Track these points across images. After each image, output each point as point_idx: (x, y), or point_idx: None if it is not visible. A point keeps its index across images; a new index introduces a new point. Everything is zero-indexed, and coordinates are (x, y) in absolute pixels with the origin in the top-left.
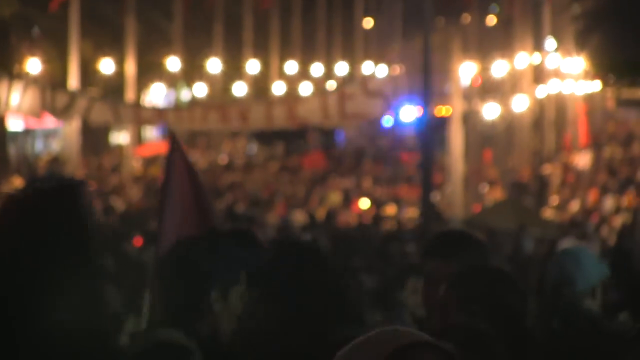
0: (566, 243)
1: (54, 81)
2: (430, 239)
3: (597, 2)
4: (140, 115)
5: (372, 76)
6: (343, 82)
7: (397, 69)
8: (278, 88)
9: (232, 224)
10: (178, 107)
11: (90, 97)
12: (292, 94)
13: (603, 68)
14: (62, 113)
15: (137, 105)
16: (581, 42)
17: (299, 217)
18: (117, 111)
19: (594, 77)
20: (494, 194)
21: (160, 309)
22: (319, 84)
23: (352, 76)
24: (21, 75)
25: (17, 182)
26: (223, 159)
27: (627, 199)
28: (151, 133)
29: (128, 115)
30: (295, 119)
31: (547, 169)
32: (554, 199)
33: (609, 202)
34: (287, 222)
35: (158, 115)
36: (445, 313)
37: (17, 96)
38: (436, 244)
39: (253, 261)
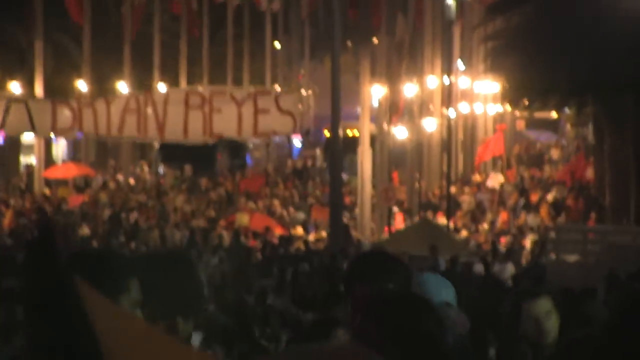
0: (479, 266)
1: None
2: (356, 262)
3: (509, 24)
4: (56, 122)
5: (284, 94)
6: (256, 97)
7: (306, 91)
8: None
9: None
10: (95, 112)
11: (7, 99)
12: (208, 106)
13: (514, 90)
14: None
15: (53, 111)
16: (492, 64)
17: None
18: (32, 119)
19: (504, 99)
20: (402, 215)
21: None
22: None
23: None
24: None
25: None
26: (131, 180)
27: (538, 219)
28: (59, 153)
29: (44, 122)
30: (211, 133)
31: (457, 190)
32: (465, 219)
33: (520, 222)
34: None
35: (74, 123)
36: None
37: None
38: (365, 268)
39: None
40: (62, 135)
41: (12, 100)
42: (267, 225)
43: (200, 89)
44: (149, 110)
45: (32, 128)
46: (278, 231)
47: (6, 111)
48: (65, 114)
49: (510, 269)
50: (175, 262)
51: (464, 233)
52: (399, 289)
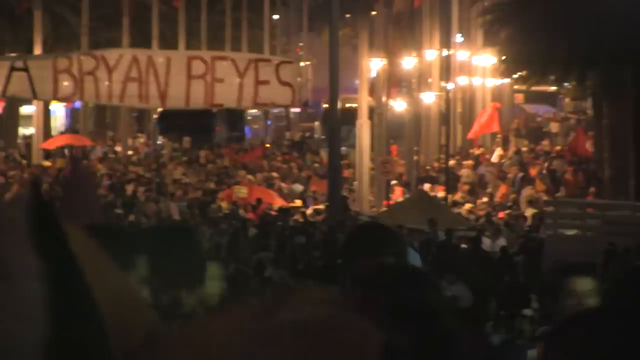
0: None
1: None
2: (353, 235)
3: None
4: (57, 89)
5: (284, 63)
6: (257, 67)
7: (304, 63)
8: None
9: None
10: (96, 79)
11: (10, 67)
12: (210, 74)
13: (513, 62)
14: None
15: (54, 78)
16: (490, 36)
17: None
18: (33, 85)
19: (503, 72)
20: (401, 189)
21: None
22: None
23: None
24: None
25: None
26: (130, 152)
27: (533, 192)
28: (57, 124)
29: (45, 88)
30: (212, 102)
31: (456, 163)
32: (464, 193)
33: (521, 196)
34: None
35: (75, 90)
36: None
37: None
38: (363, 241)
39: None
40: (64, 101)
41: (13, 67)
42: (259, 198)
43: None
44: (151, 78)
45: (33, 93)
46: (277, 203)
47: (7, 78)
48: (66, 81)
49: (501, 242)
50: (177, 235)
51: (466, 206)
52: (396, 262)
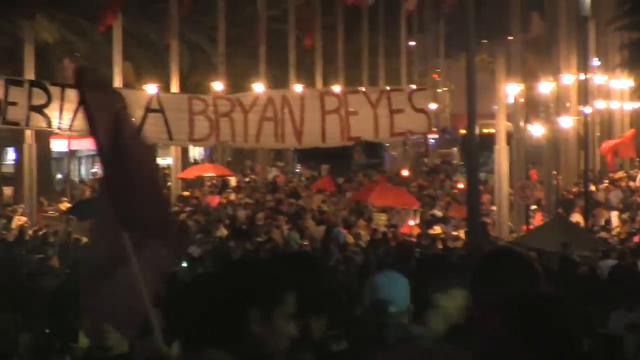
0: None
1: None
2: (479, 265)
3: None
4: (193, 131)
5: (417, 91)
6: (389, 97)
7: (441, 89)
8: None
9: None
10: (232, 121)
11: (146, 108)
12: (344, 108)
13: None
14: None
15: (190, 120)
16: (629, 58)
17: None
18: (170, 128)
19: None
20: (540, 213)
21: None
22: None
23: (398, 90)
24: (70, 98)
25: (63, 205)
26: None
27: None
28: (196, 153)
29: (181, 130)
30: (349, 136)
31: (595, 188)
32: (601, 218)
33: None
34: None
35: (211, 131)
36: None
37: (68, 119)
38: (487, 272)
39: (308, 285)
40: (199, 144)
41: (149, 109)
42: (395, 223)
43: (333, 89)
44: (286, 117)
45: (169, 136)
46: (415, 230)
47: (143, 119)
48: (202, 123)
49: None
50: (305, 263)
51: (616, 229)
52: (529, 289)
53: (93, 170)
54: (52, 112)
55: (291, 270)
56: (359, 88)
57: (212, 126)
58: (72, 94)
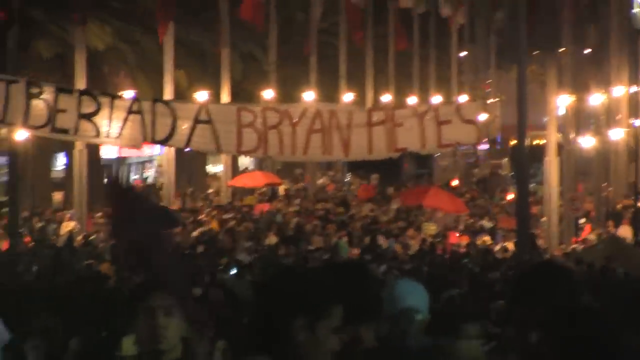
0: None
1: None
2: (516, 282)
3: None
4: (241, 143)
5: (466, 103)
6: (437, 109)
7: (492, 100)
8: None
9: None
10: (280, 133)
11: (195, 120)
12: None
13: None
14: (163, 141)
15: (239, 132)
16: None
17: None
18: (218, 139)
19: None
20: (589, 226)
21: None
22: None
23: (446, 104)
24: (121, 101)
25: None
26: (319, 188)
27: None
28: (246, 161)
29: (229, 143)
30: (396, 148)
31: None
32: None
33: None
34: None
35: (259, 144)
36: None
37: (118, 127)
38: (525, 287)
39: (357, 294)
40: (247, 155)
41: (198, 120)
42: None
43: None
44: (334, 130)
45: (217, 147)
46: (463, 239)
47: (192, 130)
48: (250, 135)
49: None
50: (354, 272)
51: None
52: (568, 303)
53: (144, 176)
54: (102, 120)
55: (340, 279)
56: (408, 104)
57: (260, 138)
58: (121, 104)
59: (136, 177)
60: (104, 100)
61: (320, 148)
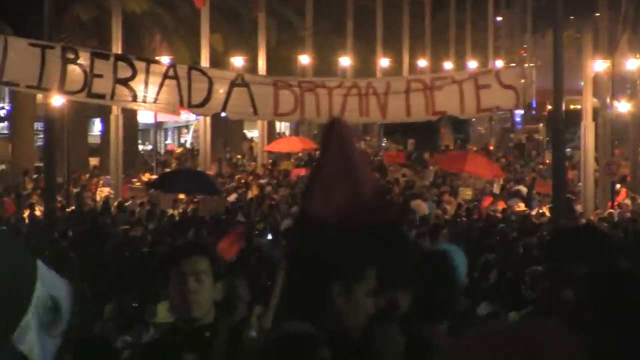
0: None
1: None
2: (553, 242)
3: None
4: (278, 106)
5: (505, 69)
6: (476, 76)
7: (528, 65)
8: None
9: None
10: (317, 96)
11: (231, 83)
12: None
13: None
14: (199, 107)
15: (275, 95)
16: None
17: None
18: (254, 103)
19: None
20: (625, 190)
21: (286, 300)
22: None
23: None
24: (157, 66)
25: (147, 176)
26: None
27: None
28: (282, 126)
29: (265, 108)
30: (434, 111)
31: None
32: None
33: None
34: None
35: (296, 107)
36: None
37: (154, 92)
38: (560, 250)
39: (394, 258)
40: (284, 120)
41: (234, 84)
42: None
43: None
44: (371, 96)
45: (254, 112)
46: (499, 205)
47: (228, 94)
48: (287, 98)
49: None
50: (392, 236)
51: None
52: (605, 265)
53: (181, 142)
54: (138, 85)
55: (374, 242)
56: (446, 74)
57: (297, 101)
58: (157, 68)
59: (169, 142)
60: (140, 65)
61: (357, 111)
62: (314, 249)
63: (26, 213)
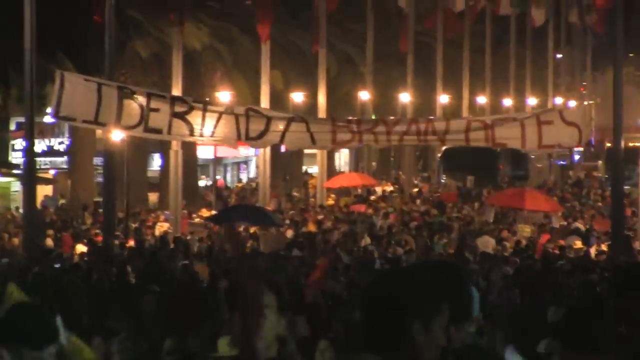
0: None
1: None
2: (622, 273)
3: None
4: (335, 135)
5: (567, 109)
6: (539, 115)
7: (588, 102)
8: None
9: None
10: (374, 125)
11: (286, 118)
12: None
13: None
14: (257, 140)
15: (333, 121)
16: None
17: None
18: (312, 134)
19: None
20: None
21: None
22: None
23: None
24: (214, 106)
25: (207, 212)
26: (415, 190)
27: None
28: (342, 162)
29: (324, 138)
30: (494, 141)
31: None
32: None
33: None
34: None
35: (353, 137)
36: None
37: (211, 126)
38: (630, 278)
39: (455, 293)
40: (342, 147)
41: (292, 119)
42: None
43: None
44: (430, 131)
45: (312, 142)
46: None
47: (286, 127)
48: (345, 135)
49: None
50: (452, 272)
51: None
52: None
53: (240, 178)
54: (195, 119)
55: (440, 278)
56: (508, 115)
57: (354, 135)
58: (214, 108)
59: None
60: (197, 105)
61: (416, 137)
62: (389, 286)
63: (82, 248)
